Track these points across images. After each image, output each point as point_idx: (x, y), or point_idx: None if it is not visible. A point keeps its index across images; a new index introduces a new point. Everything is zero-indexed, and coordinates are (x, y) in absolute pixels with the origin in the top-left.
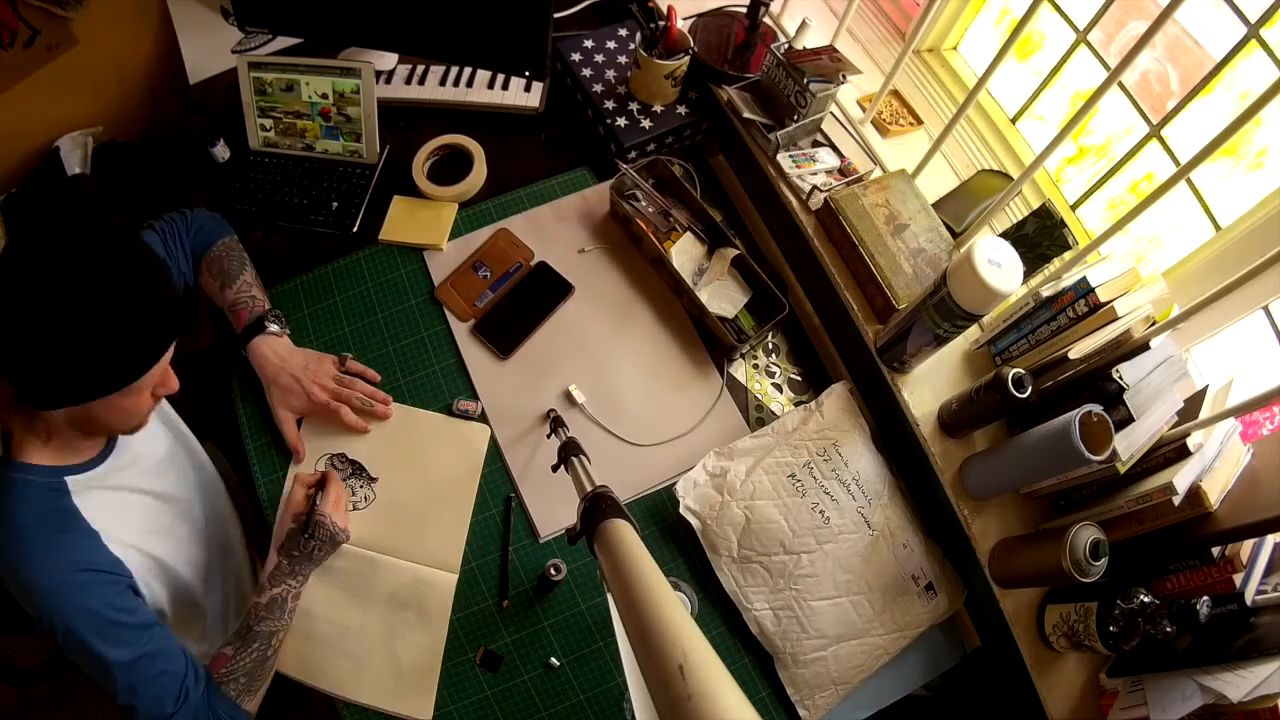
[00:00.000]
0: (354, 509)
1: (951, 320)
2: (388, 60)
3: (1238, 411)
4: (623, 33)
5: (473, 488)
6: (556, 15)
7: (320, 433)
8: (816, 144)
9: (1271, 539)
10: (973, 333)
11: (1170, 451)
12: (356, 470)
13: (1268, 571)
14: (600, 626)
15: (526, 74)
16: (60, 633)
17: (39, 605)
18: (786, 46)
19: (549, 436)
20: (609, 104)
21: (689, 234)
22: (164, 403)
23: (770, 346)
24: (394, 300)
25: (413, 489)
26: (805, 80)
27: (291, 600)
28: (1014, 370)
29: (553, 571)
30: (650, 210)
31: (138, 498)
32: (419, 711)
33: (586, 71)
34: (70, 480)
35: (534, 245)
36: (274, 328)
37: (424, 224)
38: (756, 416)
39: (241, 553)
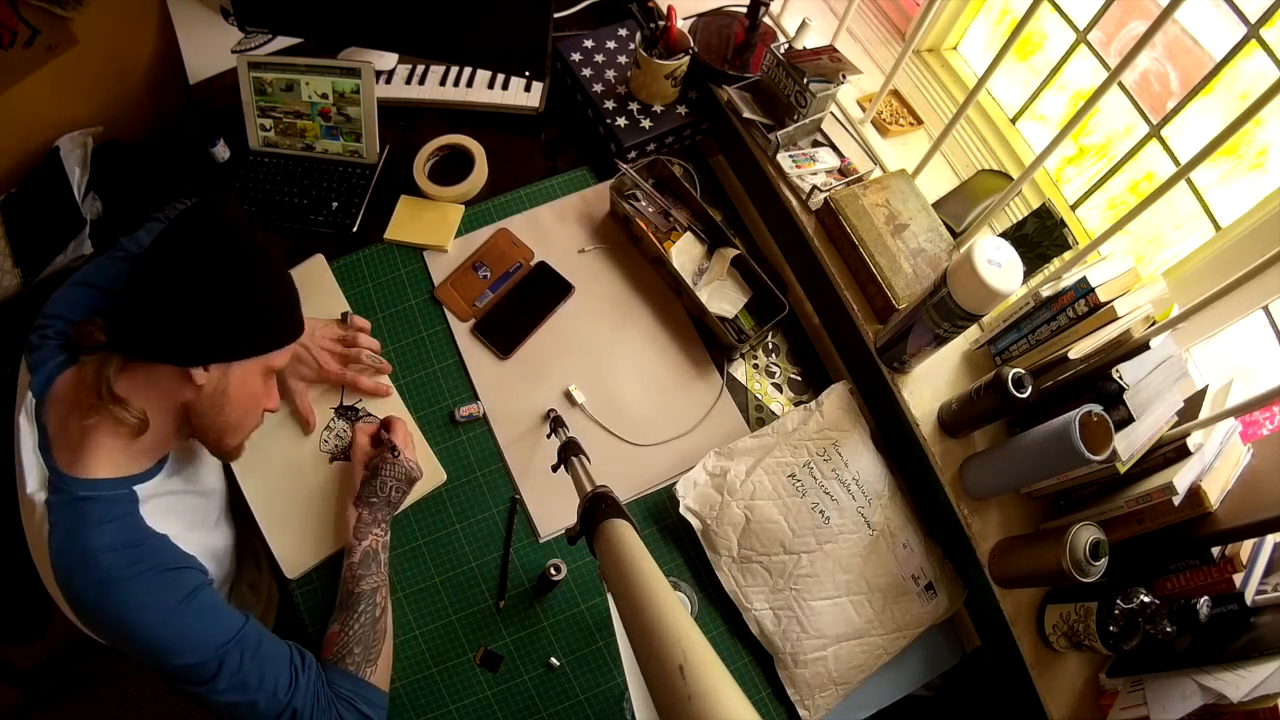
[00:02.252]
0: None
1: (951, 320)
2: (388, 60)
3: (1238, 411)
4: (623, 33)
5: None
6: (556, 15)
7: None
8: (816, 144)
9: (1271, 539)
10: (973, 333)
11: (1170, 451)
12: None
13: (1268, 571)
14: (600, 626)
15: (526, 74)
16: (149, 648)
17: (118, 624)
18: (786, 46)
19: (549, 436)
20: (609, 104)
21: (689, 234)
22: None
23: (770, 346)
24: (394, 300)
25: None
26: (805, 80)
27: (383, 551)
28: (1014, 370)
29: (553, 571)
30: (650, 210)
31: (189, 498)
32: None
33: (586, 71)
34: (139, 490)
35: (534, 245)
36: None
37: (430, 224)
38: (756, 416)
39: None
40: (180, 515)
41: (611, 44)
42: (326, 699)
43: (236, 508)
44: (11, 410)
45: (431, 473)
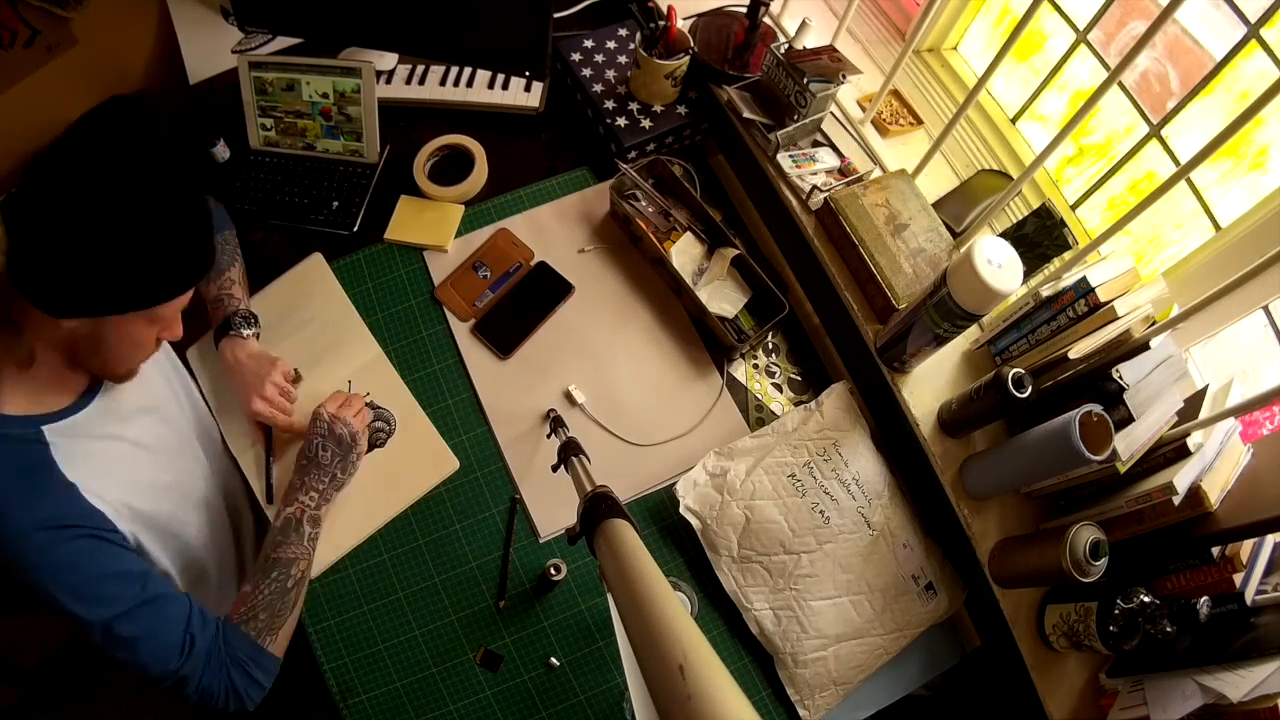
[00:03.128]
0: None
1: (951, 320)
2: (388, 60)
3: (1238, 411)
4: (623, 33)
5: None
6: (556, 15)
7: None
8: (816, 144)
9: (1271, 539)
10: (973, 333)
11: (1170, 451)
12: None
13: (1268, 571)
14: (600, 626)
15: (526, 74)
16: (41, 596)
17: (13, 571)
18: (786, 46)
19: (549, 436)
20: (609, 104)
21: (689, 234)
22: (166, 348)
23: (770, 346)
24: (394, 300)
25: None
26: (805, 80)
27: (309, 525)
28: (1014, 370)
29: (553, 571)
30: (650, 210)
31: (115, 446)
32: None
33: (586, 71)
34: (48, 430)
35: (534, 245)
36: (243, 330)
37: (430, 224)
38: (756, 416)
39: (250, 518)
40: (99, 464)
41: (611, 44)
42: (220, 662)
43: (243, 529)
44: None
45: (445, 461)
